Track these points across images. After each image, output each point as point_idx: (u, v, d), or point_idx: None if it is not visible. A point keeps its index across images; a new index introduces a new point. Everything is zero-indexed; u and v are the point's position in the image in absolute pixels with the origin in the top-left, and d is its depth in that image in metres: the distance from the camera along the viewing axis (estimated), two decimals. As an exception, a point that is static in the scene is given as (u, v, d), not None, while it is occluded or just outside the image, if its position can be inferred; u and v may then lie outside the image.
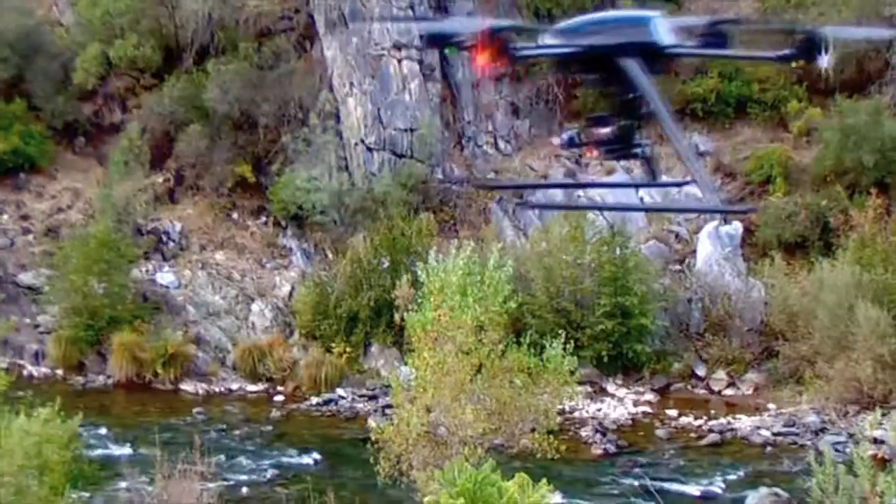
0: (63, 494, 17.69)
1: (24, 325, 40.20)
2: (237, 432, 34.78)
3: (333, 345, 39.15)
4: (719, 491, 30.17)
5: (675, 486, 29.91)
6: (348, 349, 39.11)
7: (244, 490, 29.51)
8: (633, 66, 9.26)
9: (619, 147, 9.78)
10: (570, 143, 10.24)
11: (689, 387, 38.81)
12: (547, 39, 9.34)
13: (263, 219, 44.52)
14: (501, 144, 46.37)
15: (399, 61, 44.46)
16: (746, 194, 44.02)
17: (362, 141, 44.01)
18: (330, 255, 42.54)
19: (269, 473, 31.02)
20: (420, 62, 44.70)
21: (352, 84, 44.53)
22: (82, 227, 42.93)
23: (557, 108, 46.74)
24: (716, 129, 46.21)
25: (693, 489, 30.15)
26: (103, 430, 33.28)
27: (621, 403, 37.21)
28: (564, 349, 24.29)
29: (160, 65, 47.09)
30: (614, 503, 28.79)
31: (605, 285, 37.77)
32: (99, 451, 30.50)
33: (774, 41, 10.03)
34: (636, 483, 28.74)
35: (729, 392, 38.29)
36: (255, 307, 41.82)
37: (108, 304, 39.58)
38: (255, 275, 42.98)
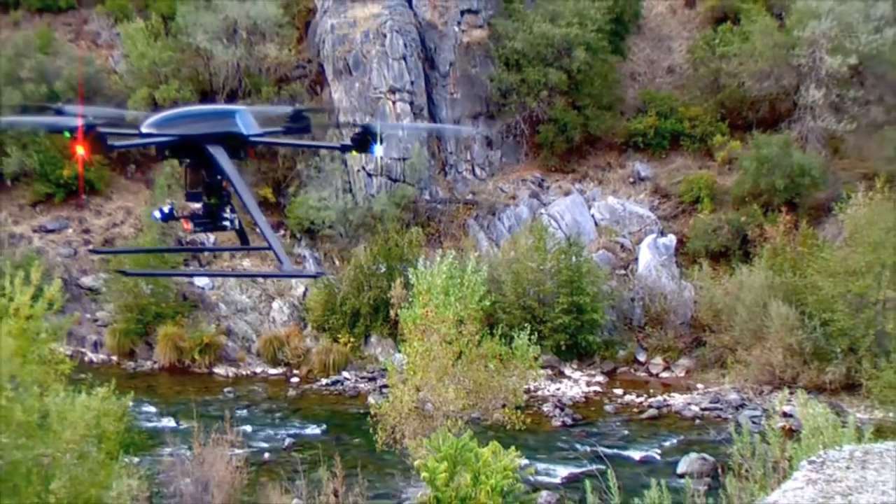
0: (117, 459, 17.63)
1: (85, 319, 40.06)
2: (260, 408, 34.77)
3: (340, 336, 39.13)
4: (657, 456, 30.29)
5: (620, 452, 30.01)
6: (352, 339, 39.09)
7: (266, 455, 29.51)
8: (218, 153, 8.96)
9: (209, 221, 9.39)
10: (167, 218, 9.59)
11: (632, 370, 38.87)
12: (144, 129, 8.89)
13: (282, 232, 44.36)
14: (478, 171, 46.35)
15: (393, 102, 44.42)
16: (679, 212, 44.22)
17: (363, 168, 43.96)
18: (337, 262, 42.46)
19: (286, 441, 31.01)
20: (411, 103, 44.69)
21: (355, 121, 44.46)
22: (133, 239, 42.80)
23: (524, 141, 46.84)
24: (654, 158, 46.34)
25: (635, 454, 30.28)
26: (150, 406, 33.27)
27: (576, 384, 37.25)
28: (530, 339, 24.41)
29: (197, 105, 46.96)
30: (571, 465, 28.84)
31: (563, 287, 37.81)
32: (147, 423, 30.47)
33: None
34: (588, 449, 28.82)
35: (665, 374, 38.36)
36: (275, 305, 41.74)
37: (154, 303, 39.59)
38: (275, 278, 42.87)
